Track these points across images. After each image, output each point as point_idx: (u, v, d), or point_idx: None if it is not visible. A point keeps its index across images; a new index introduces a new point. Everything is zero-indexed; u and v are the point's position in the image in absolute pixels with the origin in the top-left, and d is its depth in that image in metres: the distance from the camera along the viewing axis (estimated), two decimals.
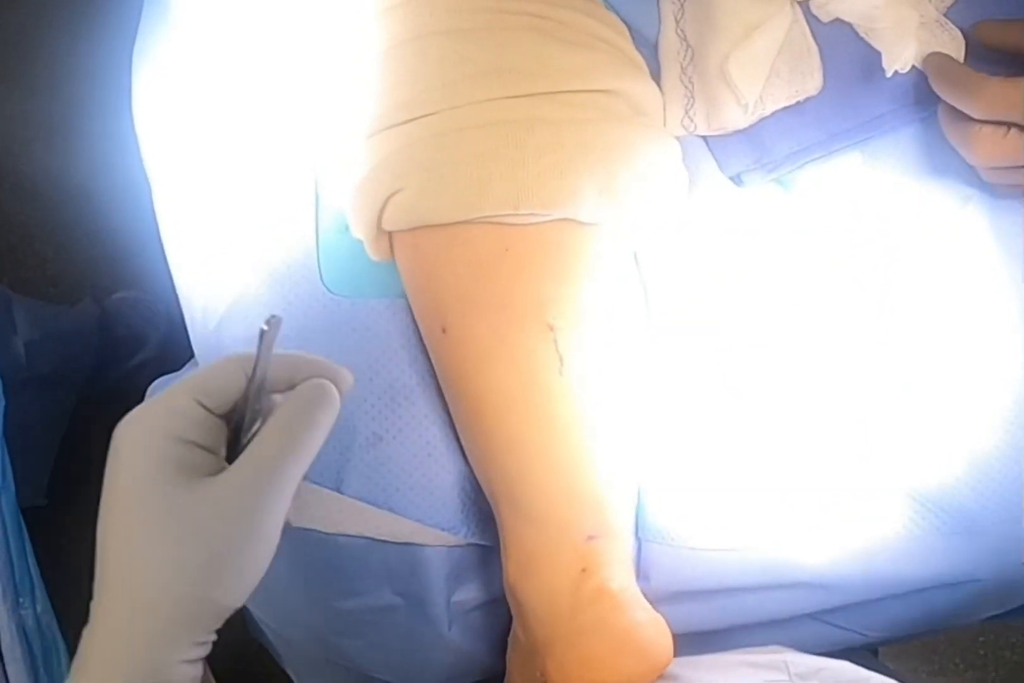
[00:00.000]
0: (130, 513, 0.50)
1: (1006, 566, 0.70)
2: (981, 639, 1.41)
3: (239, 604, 0.51)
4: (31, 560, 0.86)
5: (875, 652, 0.93)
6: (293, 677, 0.90)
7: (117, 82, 0.81)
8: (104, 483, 0.51)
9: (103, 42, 1.00)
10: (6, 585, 0.82)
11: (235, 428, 0.54)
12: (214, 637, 0.52)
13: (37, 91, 1.56)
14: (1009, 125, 0.66)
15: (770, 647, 0.68)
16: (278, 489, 0.51)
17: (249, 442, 0.52)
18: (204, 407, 0.52)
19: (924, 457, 0.70)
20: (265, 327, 0.50)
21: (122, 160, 0.84)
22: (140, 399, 0.86)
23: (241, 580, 0.51)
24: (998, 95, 0.65)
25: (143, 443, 0.50)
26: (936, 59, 0.70)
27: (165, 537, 0.49)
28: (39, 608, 0.85)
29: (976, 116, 0.67)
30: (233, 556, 0.50)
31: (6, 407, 0.89)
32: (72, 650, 0.86)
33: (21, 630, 0.83)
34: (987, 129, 0.67)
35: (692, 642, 0.70)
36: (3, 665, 0.80)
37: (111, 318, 1.24)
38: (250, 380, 0.52)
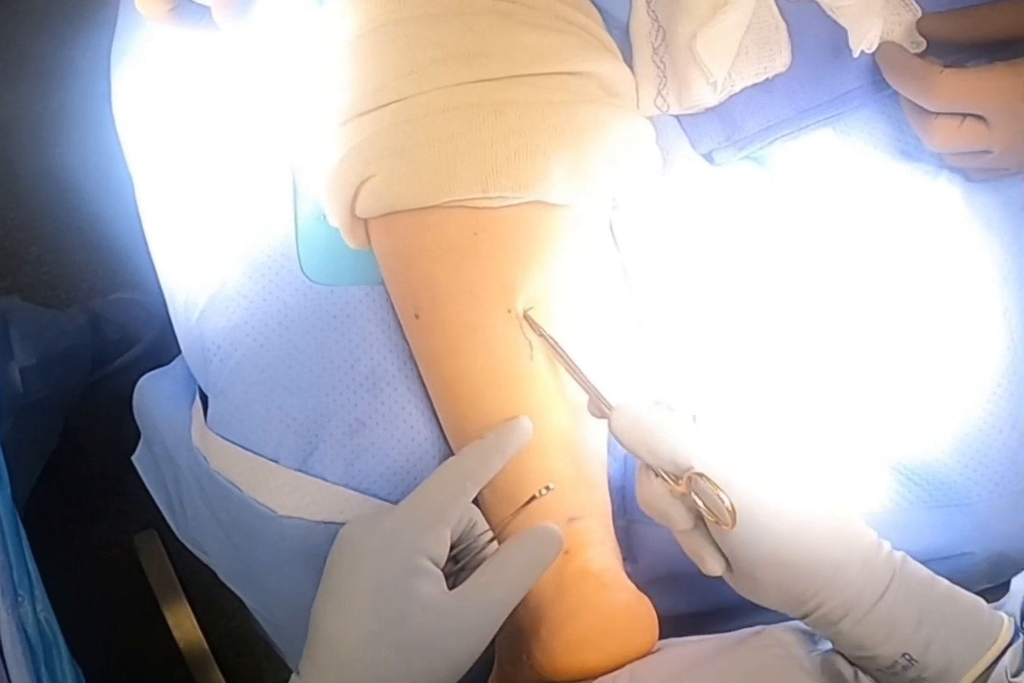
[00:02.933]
0: (368, 618, 0.55)
1: (994, 538, 0.70)
2: None
3: None
4: (29, 558, 0.87)
5: None
6: (288, 662, 0.90)
7: (107, 83, 0.82)
8: (337, 579, 0.58)
9: (92, 45, 1.01)
10: (5, 584, 0.82)
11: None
12: None
13: (27, 95, 1.57)
14: (963, 115, 0.66)
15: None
16: (501, 618, 0.58)
17: (467, 562, 0.63)
18: (447, 527, 0.59)
19: (908, 430, 0.70)
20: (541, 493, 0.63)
21: (115, 161, 0.85)
22: (121, 398, 0.87)
23: (447, 675, 0.57)
24: (949, 87, 0.66)
25: (394, 554, 0.57)
26: (888, 51, 0.70)
27: (398, 648, 0.55)
28: (39, 607, 0.85)
29: (929, 108, 0.68)
30: (450, 674, 0.57)
31: (7, 395, 0.90)
32: (72, 648, 0.87)
33: (21, 629, 0.83)
34: (941, 119, 0.68)
35: (679, 625, 0.70)
36: (4, 664, 0.81)
37: (102, 321, 1.25)
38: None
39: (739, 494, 0.58)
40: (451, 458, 0.62)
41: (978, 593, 0.60)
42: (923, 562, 0.60)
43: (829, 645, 0.63)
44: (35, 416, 1.05)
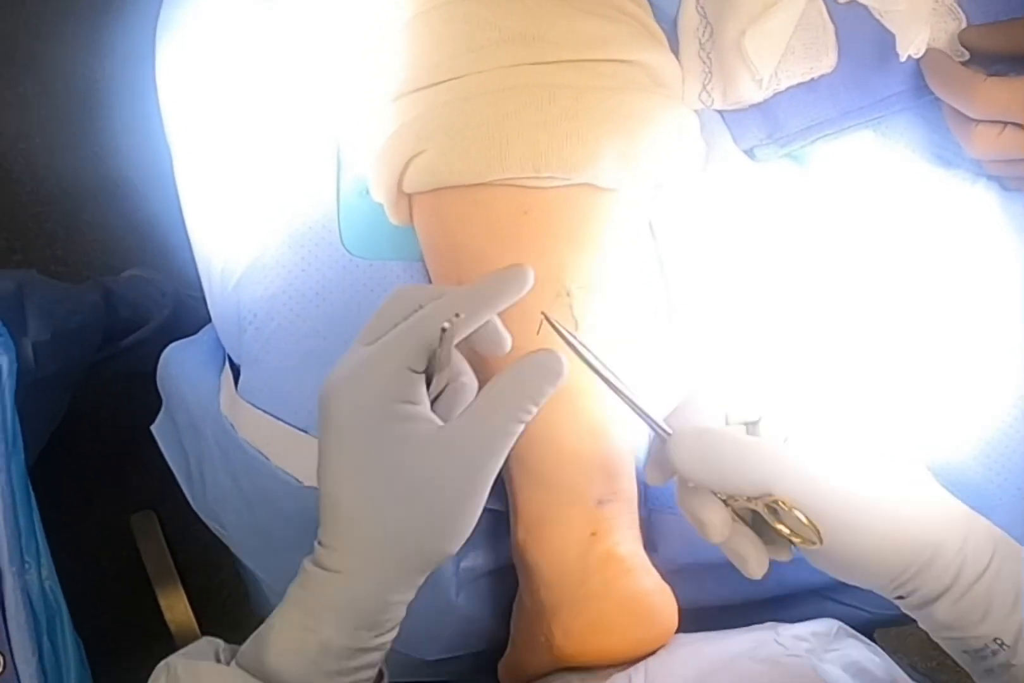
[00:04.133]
0: (363, 472, 0.55)
1: (1017, 541, 0.70)
2: None
3: (457, 549, 0.56)
4: (38, 525, 0.86)
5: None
6: None
7: (130, 58, 0.82)
8: (328, 443, 0.56)
9: (124, 14, 1.01)
10: (12, 549, 0.82)
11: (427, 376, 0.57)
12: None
13: (51, 69, 1.57)
14: (1004, 123, 0.68)
15: (766, 623, 0.68)
16: (503, 449, 0.56)
17: (442, 393, 0.59)
18: (412, 370, 0.56)
19: (934, 433, 0.71)
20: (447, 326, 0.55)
21: (138, 139, 0.85)
22: (127, 377, 0.87)
23: (462, 529, 0.56)
24: (991, 96, 0.67)
25: (368, 406, 0.55)
26: (933, 57, 0.71)
27: (397, 494, 0.54)
28: (44, 573, 0.85)
29: (971, 115, 0.69)
30: (457, 510, 0.55)
31: (19, 369, 0.89)
32: (74, 617, 0.86)
33: (26, 595, 0.83)
34: (982, 127, 0.69)
35: (699, 617, 0.70)
36: (7, 630, 0.80)
37: (116, 298, 1.25)
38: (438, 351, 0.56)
39: (821, 503, 0.55)
40: (430, 304, 0.58)
41: None
42: None
43: (851, 646, 0.63)
44: (44, 391, 1.04)
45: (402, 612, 0.58)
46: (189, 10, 0.78)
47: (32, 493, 0.87)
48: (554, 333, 0.60)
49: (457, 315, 0.55)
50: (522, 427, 0.56)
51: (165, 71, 0.79)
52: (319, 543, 0.56)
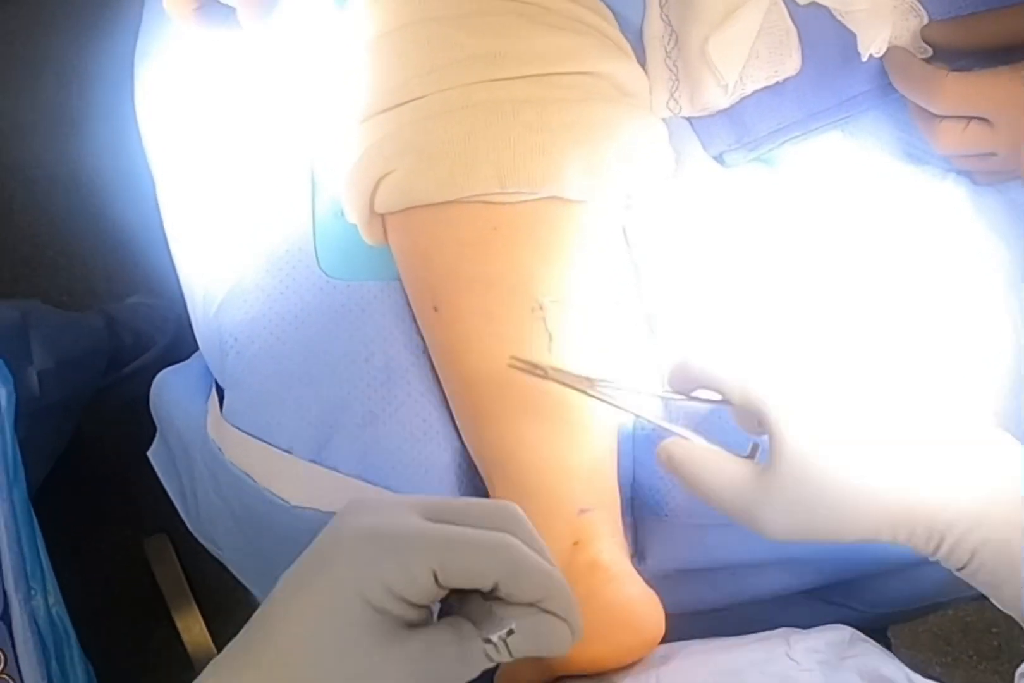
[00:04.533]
0: (326, 654, 0.47)
1: None
2: (995, 629, 1.39)
3: None
4: (42, 551, 0.88)
5: (888, 644, 0.93)
6: None
7: (124, 86, 0.83)
8: (300, 598, 0.48)
9: (109, 48, 1.03)
10: (18, 576, 0.83)
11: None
12: None
13: (44, 100, 1.59)
14: (969, 118, 0.68)
15: (777, 630, 0.67)
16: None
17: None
18: (436, 580, 0.48)
19: None
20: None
21: (132, 165, 0.86)
22: (133, 402, 0.88)
23: None
24: (954, 91, 0.67)
25: (363, 591, 0.47)
26: (896, 55, 0.72)
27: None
28: (51, 600, 0.86)
29: (935, 111, 0.69)
30: None
31: (23, 397, 0.91)
32: (82, 641, 0.88)
33: (33, 621, 0.84)
34: (947, 122, 0.69)
35: (689, 622, 0.70)
36: (16, 657, 0.82)
37: (119, 325, 1.26)
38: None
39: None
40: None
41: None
42: (932, 562, 0.60)
43: (866, 651, 0.63)
44: (49, 418, 1.06)
45: None
46: (164, 39, 0.80)
47: (35, 520, 0.89)
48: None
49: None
50: None
51: (143, 99, 0.81)
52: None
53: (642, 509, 0.72)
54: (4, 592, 0.82)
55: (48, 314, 1.15)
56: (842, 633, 0.65)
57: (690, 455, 0.60)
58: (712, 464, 0.59)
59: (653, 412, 0.65)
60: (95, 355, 1.17)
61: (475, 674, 0.49)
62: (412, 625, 0.49)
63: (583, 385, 0.62)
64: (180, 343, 1.28)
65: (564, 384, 0.62)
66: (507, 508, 0.53)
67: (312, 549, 0.51)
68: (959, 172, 0.73)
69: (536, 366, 0.63)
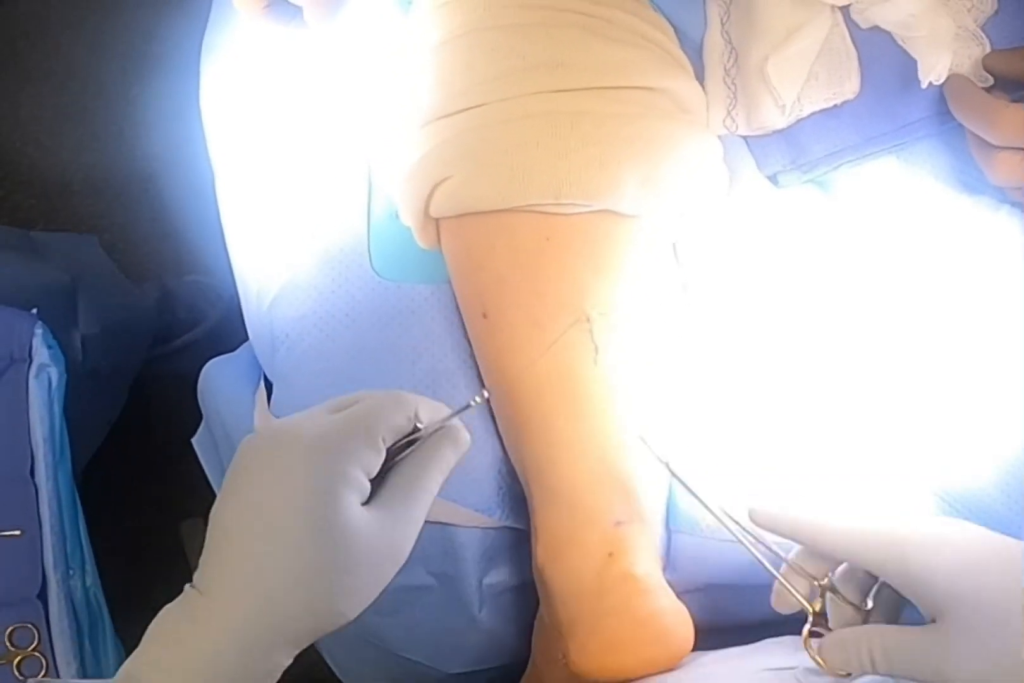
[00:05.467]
0: (291, 530, 0.50)
1: None
2: None
3: (338, 625, 0.52)
4: (83, 532, 0.89)
5: None
6: (327, 657, 0.92)
7: (186, 76, 0.85)
8: (255, 474, 0.52)
9: (177, 37, 1.04)
10: (58, 556, 0.85)
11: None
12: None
13: (108, 89, 1.62)
14: None
15: (786, 637, 0.68)
16: (414, 537, 0.55)
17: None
18: (384, 445, 0.53)
19: (952, 458, 0.71)
20: (476, 401, 0.56)
21: (193, 154, 0.88)
22: (179, 382, 0.89)
23: (363, 599, 0.52)
24: (1013, 122, 0.67)
25: (327, 465, 0.51)
26: (956, 83, 0.72)
27: (310, 549, 0.50)
28: (88, 580, 0.88)
29: (993, 142, 0.69)
30: (365, 579, 0.52)
31: (68, 381, 0.92)
32: (118, 622, 0.89)
33: (69, 601, 0.85)
34: (1004, 154, 0.69)
35: (717, 637, 0.71)
36: (50, 636, 0.83)
37: (174, 299, 1.27)
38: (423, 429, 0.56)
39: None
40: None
41: None
42: None
43: None
44: (93, 386, 1.06)
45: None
46: (232, 34, 0.81)
47: (79, 501, 0.90)
48: None
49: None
50: (432, 497, 0.56)
51: (208, 92, 0.82)
52: (190, 585, 0.51)
53: (676, 522, 0.72)
54: (44, 571, 0.84)
55: (100, 278, 1.15)
56: None
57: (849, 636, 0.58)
58: (879, 639, 0.56)
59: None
60: (143, 324, 1.18)
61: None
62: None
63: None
64: (229, 322, 1.29)
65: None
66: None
67: (251, 467, 0.53)
68: (1013, 204, 0.73)
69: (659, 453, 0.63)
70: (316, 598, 0.50)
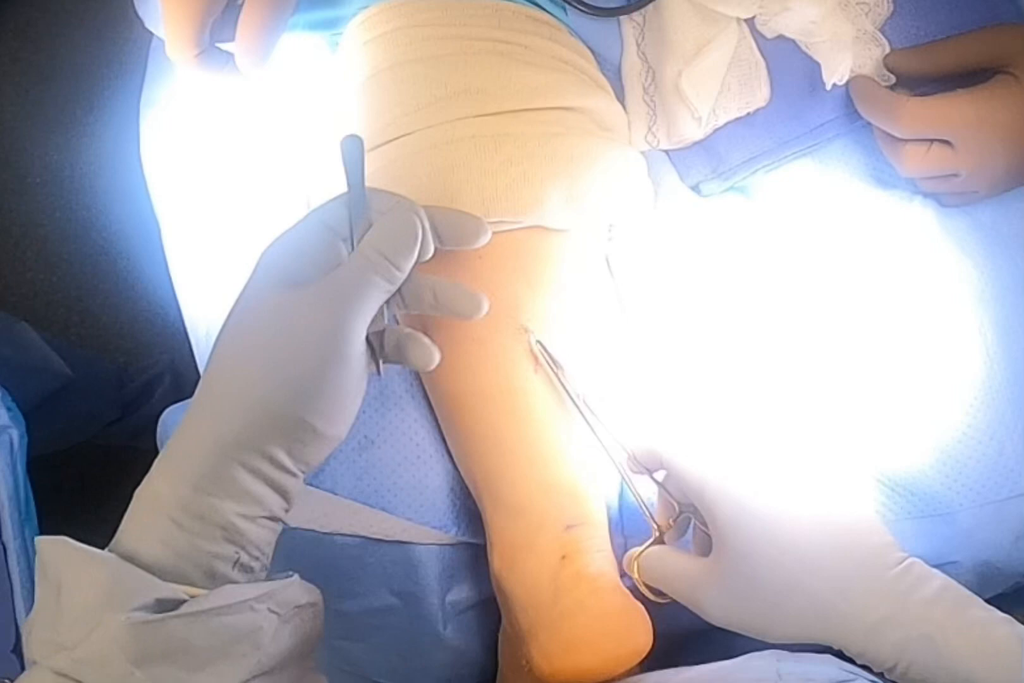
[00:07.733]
0: (239, 329, 0.59)
1: (979, 547, 0.72)
2: None
3: (322, 423, 0.56)
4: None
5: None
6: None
7: (130, 133, 0.87)
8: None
9: (113, 102, 1.07)
10: (29, 610, 0.85)
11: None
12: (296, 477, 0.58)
13: (55, 162, 1.64)
14: (931, 141, 0.71)
15: (766, 651, 0.68)
16: (360, 306, 0.58)
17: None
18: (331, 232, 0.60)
19: (891, 443, 0.72)
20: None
21: (142, 222, 0.90)
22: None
23: (321, 396, 0.56)
24: (915, 115, 0.70)
25: (278, 261, 0.60)
26: (860, 83, 0.74)
27: (259, 355, 0.56)
28: None
29: (899, 135, 0.71)
30: (315, 374, 0.56)
31: (30, 441, 0.93)
32: None
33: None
34: (910, 146, 0.71)
35: (681, 642, 0.72)
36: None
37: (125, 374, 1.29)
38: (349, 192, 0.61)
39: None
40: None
41: None
42: None
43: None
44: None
45: (260, 535, 0.56)
46: (168, 88, 0.84)
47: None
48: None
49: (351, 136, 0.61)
50: (386, 285, 0.59)
51: (148, 144, 0.85)
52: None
53: (631, 530, 0.74)
54: (16, 626, 0.84)
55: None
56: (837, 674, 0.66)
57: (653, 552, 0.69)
58: (669, 559, 0.68)
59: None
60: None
61: None
62: None
63: (574, 396, 0.68)
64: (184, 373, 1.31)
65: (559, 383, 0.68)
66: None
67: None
68: (926, 195, 0.76)
69: (556, 362, 0.68)
70: (259, 401, 0.55)
